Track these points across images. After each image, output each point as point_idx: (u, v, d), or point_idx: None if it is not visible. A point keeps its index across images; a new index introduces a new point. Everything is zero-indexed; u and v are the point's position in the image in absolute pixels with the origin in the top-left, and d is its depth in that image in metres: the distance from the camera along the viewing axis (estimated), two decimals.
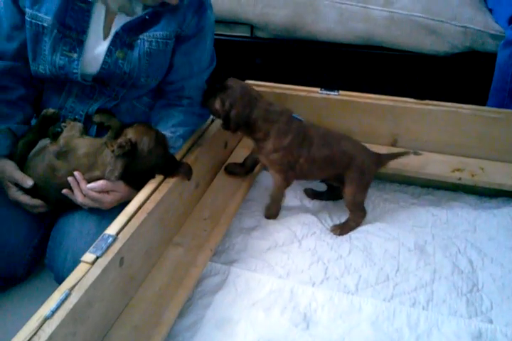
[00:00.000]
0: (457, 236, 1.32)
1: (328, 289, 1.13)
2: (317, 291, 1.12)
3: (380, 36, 1.84)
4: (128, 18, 1.12)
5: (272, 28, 1.92)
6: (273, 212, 1.36)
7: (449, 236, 1.32)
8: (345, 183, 1.31)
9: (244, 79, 1.61)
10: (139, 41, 1.14)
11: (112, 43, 1.13)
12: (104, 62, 1.14)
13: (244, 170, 1.44)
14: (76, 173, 1.09)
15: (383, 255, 1.23)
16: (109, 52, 1.14)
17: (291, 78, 1.69)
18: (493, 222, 1.37)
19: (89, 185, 1.08)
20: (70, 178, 1.09)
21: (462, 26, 1.76)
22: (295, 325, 1.04)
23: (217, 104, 1.23)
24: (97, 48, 1.15)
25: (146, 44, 1.15)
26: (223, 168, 1.46)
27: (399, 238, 1.29)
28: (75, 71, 1.14)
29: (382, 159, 1.35)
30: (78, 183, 1.09)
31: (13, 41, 1.16)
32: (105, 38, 1.15)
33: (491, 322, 1.07)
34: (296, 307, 1.08)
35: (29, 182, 1.12)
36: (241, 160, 1.47)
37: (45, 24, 1.11)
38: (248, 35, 1.98)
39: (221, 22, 1.96)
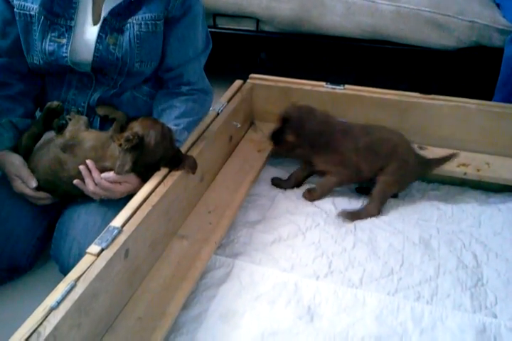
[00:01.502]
0: (462, 231, 1.31)
1: (332, 283, 1.13)
2: (321, 285, 1.12)
3: (386, 30, 1.83)
4: (114, 3, 1.12)
5: (278, 22, 1.91)
6: (315, 198, 1.40)
7: (454, 230, 1.31)
8: (383, 171, 1.34)
9: (249, 73, 1.62)
10: (128, 25, 1.15)
11: (101, 30, 1.14)
12: (96, 49, 1.14)
13: (290, 185, 1.46)
14: (88, 162, 1.09)
15: (388, 249, 1.23)
16: (100, 39, 1.14)
17: (297, 72, 1.69)
18: (499, 217, 1.36)
19: (103, 175, 1.09)
20: (81, 167, 1.09)
21: (469, 21, 1.75)
22: (299, 317, 1.04)
23: (290, 137, 1.31)
24: (87, 34, 1.15)
25: (136, 27, 1.15)
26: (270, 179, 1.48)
27: (404, 232, 1.29)
28: (64, 55, 1.14)
29: (430, 163, 1.40)
30: (90, 172, 1.09)
31: (7, 37, 1.17)
32: (95, 24, 1.15)
33: (495, 316, 1.07)
34: (300, 301, 1.08)
35: (33, 184, 1.13)
36: (245, 154, 1.47)
37: (33, 13, 1.12)
38: (254, 29, 1.97)
39: (227, 15, 1.96)
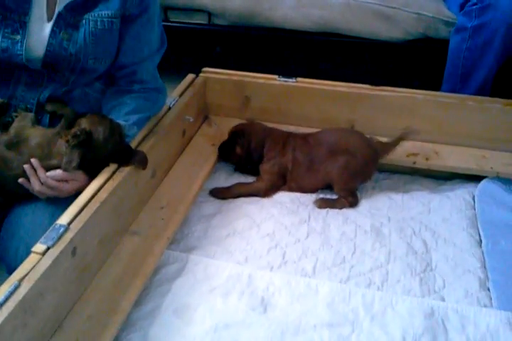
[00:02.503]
0: (412, 218, 1.35)
1: (285, 273, 1.14)
2: (275, 275, 1.13)
3: (336, 23, 1.85)
4: None
5: (229, 15, 1.90)
6: (222, 195, 1.40)
7: (405, 218, 1.35)
8: (331, 173, 1.38)
9: (202, 67, 1.61)
10: (84, 21, 1.12)
11: (56, 24, 1.11)
12: (49, 43, 1.11)
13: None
14: (33, 160, 1.06)
15: (340, 238, 1.25)
16: (54, 33, 1.11)
17: (250, 65, 1.69)
18: (447, 203, 1.41)
19: (49, 173, 1.06)
20: (26, 166, 1.06)
21: (415, 13, 1.79)
22: (252, 309, 1.05)
23: (238, 149, 1.43)
24: (42, 30, 1.12)
25: (92, 24, 1.12)
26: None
27: (356, 221, 1.32)
28: (19, 53, 1.11)
29: (382, 145, 1.42)
30: (35, 171, 1.06)
31: None
32: (49, 19, 1.12)
33: (443, 300, 1.11)
34: (253, 292, 1.09)
35: None
36: (199, 148, 1.48)
37: None
38: (206, 22, 1.96)
39: (178, 9, 1.93)
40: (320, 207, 1.37)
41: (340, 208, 1.37)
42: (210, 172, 1.47)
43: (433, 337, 1.01)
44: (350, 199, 1.38)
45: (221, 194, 1.40)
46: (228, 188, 1.41)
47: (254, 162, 1.43)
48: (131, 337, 0.99)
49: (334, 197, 1.41)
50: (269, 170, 1.41)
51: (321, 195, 1.42)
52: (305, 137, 1.43)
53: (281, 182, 1.42)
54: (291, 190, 1.42)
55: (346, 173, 1.37)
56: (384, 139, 1.46)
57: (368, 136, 1.43)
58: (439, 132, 1.53)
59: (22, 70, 1.16)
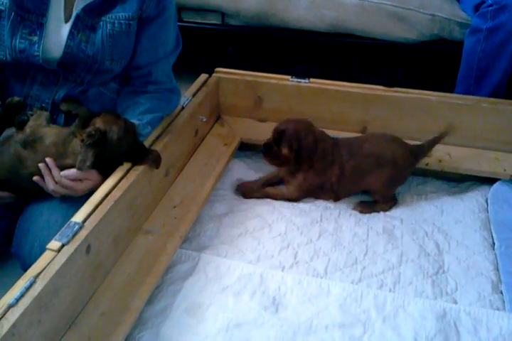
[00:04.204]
0: (425, 221, 1.34)
1: (297, 273, 1.15)
2: (286, 275, 1.13)
3: (350, 24, 1.84)
4: (88, 0, 1.11)
5: (243, 16, 1.91)
6: (250, 195, 1.37)
7: (417, 220, 1.34)
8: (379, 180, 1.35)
9: (215, 67, 1.62)
10: (101, 23, 1.13)
11: (74, 26, 1.11)
12: (67, 45, 1.12)
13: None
14: (48, 160, 1.07)
15: (352, 238, 1.25)
16: (72, 35, 1.12)
17: (263, 65, 1.69)
18: (460, 206, 1.40)
19: (63, 173, 1.07)
20: (41, 165, 1.07)
21: (430, 14, 1.78)
22: (264, 308, 1.05)
23: (285, 150, 1.28)
24: (59, 31, 1.12)
25: (109, 26, 1.13)
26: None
27: (368, 222, 1.31)
28: (36, 54, 1.12)
29: (420, 150, 1.39)
30: (50, 170, 1.07)
31: None
32: (67, 21, 1.13)
33: (455, 302, 1.10)
34: (265, 292, 1.09)
35: None
36: (212, 148, 1.47)
37: (2, 7, 1.08)
38: (219, 22, 1.97)
39: (192, 9, 1.94)
40: (362, 212, 1.36)
41: (379, 211, 1.37)
42: (223, 172, 1.47)
43: (445, 339, 1.01)
44: (390, 203, 1.39)
45: (249, 193, 1.35)
46: (257, 189, 1.37)
47: (300, 166, 1.32)
48: (143, 334, 1.00)
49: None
50: (310, 181, 1.34)
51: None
52: (350, 146, 1.35)
53: (318, 192, 1.37)
54: (326, 199, 1.39)
55: (390, 184, 1.37)
56: None
57: (405, 142, 1.41)
58: (453, 134, 1.52)
59: (38, 70, 1.17)
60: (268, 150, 1.31)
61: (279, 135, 1.29)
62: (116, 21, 1.14)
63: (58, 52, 1.13)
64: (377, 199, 1.39)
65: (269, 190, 1.39)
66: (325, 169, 1.31)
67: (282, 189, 1.40)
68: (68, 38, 1.11)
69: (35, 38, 1.11)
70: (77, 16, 1.11)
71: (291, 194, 1.37)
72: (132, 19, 1.15)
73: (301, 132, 1.29)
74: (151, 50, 1.22)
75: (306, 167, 1.32)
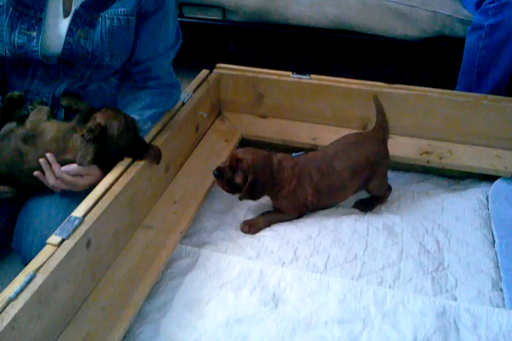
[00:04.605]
0: (425, 217, 1.34)
1: (297, 269, 1.14)
2: (286, 271, 1.13)
3: (351, 20, 1.84)
4: None
5: (244, 12, 1.91)
6: (256, 231, 1.29)
7: (417, 217, 1.34)
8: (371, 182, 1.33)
9: (216, 63, 1.61)
10: (100, 19, 1.13)
11: (73, 23, 1.11)
12: (66, 42, 1.12)
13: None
14: (48, 155, 1.07)
15: (352, 235, 1.25)
16: (71, 32, 1.11)
17: (264, 61, 1.69)
18: (460, 203, 1.40)
19: (64, 168, 1.07)
20: (41, 160, 1.07)
21: (432, 11, 1.78)
22: (264, 304, 1.05)
23: (238, 178, 1.22)
24: (58, 27, 1.12)
25: (108, 22, 1.13)
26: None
27: (368, 219, 1.31)
28: (34, 49, 1.11)
29: (380, 130, 1.34)
30: (50, 165, 1.07)
31: None
32: (66, 16, 1.12)
33: (455, 299, 1.10)
34: (265, 287, 1.09)
35: None
36: (212, 144, 1.47)
37: (0, 2, 1.08)
38: (220, 18, 1.96)
39: (193, 5, 1.94)
40: (363, 210, 1.36)
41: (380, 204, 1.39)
42: None
43: (444, 336, 1.01)
44: (387, 193, 1.39)
45: (254, 228, 1.28)
46: (257, 222, 1.30)
47: (255, 196, 1.26)
48: (143, 329, 1.00)
49: None
50: (291, 207, 1.30)
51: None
52: (318, 164, 1.28)
53: (307, 207, 1.32)
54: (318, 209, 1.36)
55: (382, 180, 1.35)
56: (399, 138, 1.45)
57: (365, 131, 1.39)
58: (454, 131, 1.52)
59: (38, 65, 1.17)
60: (221, 175, 1.24)
61: (235, 162, 1.23)
62: (115, 17, 1.13)
63: (57, 47, 1.13)
64: (374, 195, 1.38)
65: (269, 217, 1.32)
66: (294, 192, 1.26)
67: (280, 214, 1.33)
68: (67, 34, 1.11)
69: (34, 33, 1.11)
70: (76, 12, 1.11)
71: (291, 215, 1.32)
72: (131, 15, 1.15)
73: (258, 165, 1.22)
74: (150, 45, 1.22)
75: (272, 192, 1.28)
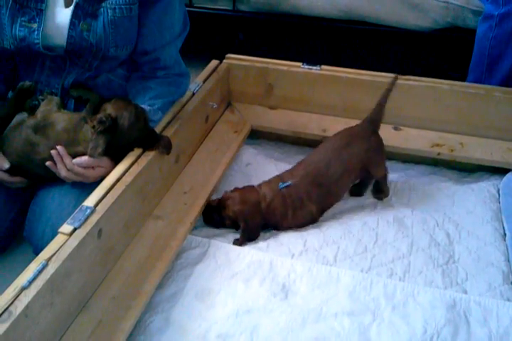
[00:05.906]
0: (436, 210, 1.33)
1: (307, 260, 1.14)
2: (296, 263, 1.13)
3: (362, 11, 1.82)
4: None
5: (254, 2, 1.89)
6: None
7: (428, 210, 1.33)
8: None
9: (226, 53, 1.60)
10: (102, 10, 1.11)
11: (74, 15, 1.10)
12: (69, 35, 1.11)
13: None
14: (59, 148, 1.07)
15: (362, 227, 1.25)
16: (73, 25, 1.10)
17: (274, 52, 1.68)
18: (471, 196, 1.39)
19: (75, 160, 1.07)
20: (53, 152, 1.07)
21: (444, 2, 1.75)
22: (273, 295, 1.05)
23: (228, 222, 1.23)
24: (59, 18, 1.11)
25: (110, 12, 1.11)
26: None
27: (378, 212, 1.31)
28: (36, 42, 1.11)
29: (374, 125, 1.33)
30: (62, 158, 1.07)
31: None
32: (67, 6, 1.11)
33: (465, 292, 1.10)
34: (274, 279, 1.09)
35: (5, 166, 1.11)
36: (222, 135, 1.47)
37: None
38: (230, 8, 1.95)
39: None
40: (359, 195, 1.37)
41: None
42: (233, 159, 1.46)
43: (455, 329, 1.00)
44: (386, 174, 1.36)
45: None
46: None
47: (254, 239, 1.24)
48: (153, 319, 1.00)
49: None
50: (300, 226, 1.26)
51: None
52: (316, 180, 1.24)
53: (315, 220, 1.29)
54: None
55: (381, 164, 1.34)
56: (409, 130, 1.44)
57: (352, 129, 1.34)
58: (465, 123, 1.51)
59: (45, 56, 1.16)
60: (209, 214, 1.26)
61: (225, 206, 1.22)
62: (116, 7, 1.12)
63: (60, 39, 1.12)
64: (376, 178, 1.35)
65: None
66: (295, 217, 1.24)
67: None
68: (69, 28, 1.10)
69: (35, 25, 1.10)
70: (77, 4, 1.09)
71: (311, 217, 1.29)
72: (132, 3, 1.13)
73: (248, 215, 1.21)
74: (156, 34, 1.20)
75: (274, 225, 1.26)
